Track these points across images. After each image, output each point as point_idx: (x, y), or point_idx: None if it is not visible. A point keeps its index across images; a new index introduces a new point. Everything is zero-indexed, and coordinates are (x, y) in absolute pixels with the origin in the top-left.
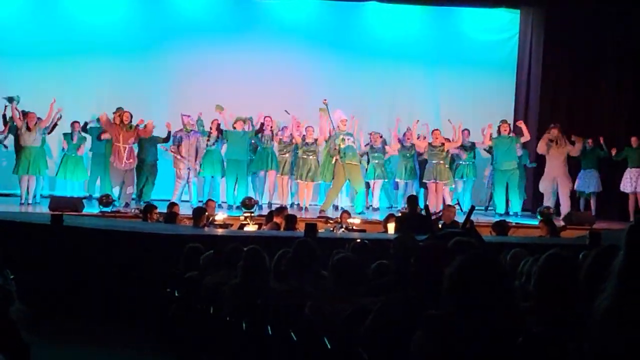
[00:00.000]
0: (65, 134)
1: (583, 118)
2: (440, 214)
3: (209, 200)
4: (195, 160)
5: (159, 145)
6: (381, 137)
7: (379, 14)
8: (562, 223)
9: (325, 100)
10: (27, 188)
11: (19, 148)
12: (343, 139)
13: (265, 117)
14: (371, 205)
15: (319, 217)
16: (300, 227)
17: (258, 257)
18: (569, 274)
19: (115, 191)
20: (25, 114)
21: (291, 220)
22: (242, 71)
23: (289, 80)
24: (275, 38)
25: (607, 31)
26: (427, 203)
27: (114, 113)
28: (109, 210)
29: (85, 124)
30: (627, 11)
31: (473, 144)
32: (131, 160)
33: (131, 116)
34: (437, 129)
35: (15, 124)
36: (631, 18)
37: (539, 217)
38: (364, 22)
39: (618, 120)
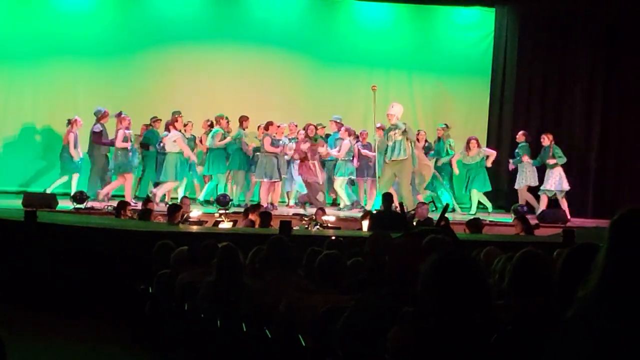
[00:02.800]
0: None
1: (554, 117)
2: (414, 212)
3: (184, 197)
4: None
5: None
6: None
7: (353, 13)
8: (536, 221)
9: (374, 86)
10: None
11: None
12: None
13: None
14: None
15: (293, 214)
16: (275, 225)
17: (232, 254)
18: (543, 271)
19: None
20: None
21: (266, 218)
22: (222, 70)
23: (267, 79)
24: (254, 37)
25: (581, 29)
26: (402, 201)
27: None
28: (83, 207)
29: None
30: (601, 12)
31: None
32: None
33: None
34: (422, 131)
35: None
36: (605, 19)
37: (513, 215)
38: (339, 20)
39: (591, 119)
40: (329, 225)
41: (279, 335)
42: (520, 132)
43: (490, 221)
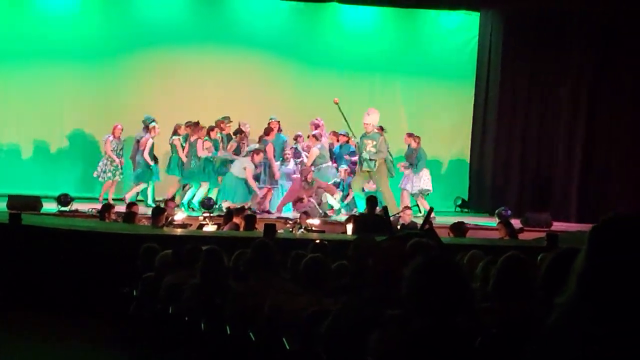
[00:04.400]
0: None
1: (538, 121)
2: (398, 215)
3: (169, 200)
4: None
5: None
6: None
7: (338, 16)
8: (520, 225)
9: (336, 99)
10: None
11: None
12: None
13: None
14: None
15: (278, 217)
16: (260, 228)
17: (216, 257)
18: (527, 276)
19: None
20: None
21: (250, 221)
22: (207, 73)
23: (253, 83)
24: (240, 40)
25: (566, 32)
26: (386, 204)
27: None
28: (68, 210)
29: None
30: (587, 18)
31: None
32: None
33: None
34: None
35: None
36: (589, 21)
37: (497, 218)
38: (325, 24)
39: (576, 122)
40: (314, 228)
41: (263, 337)
42: (407, 134)
43: (474, 225)
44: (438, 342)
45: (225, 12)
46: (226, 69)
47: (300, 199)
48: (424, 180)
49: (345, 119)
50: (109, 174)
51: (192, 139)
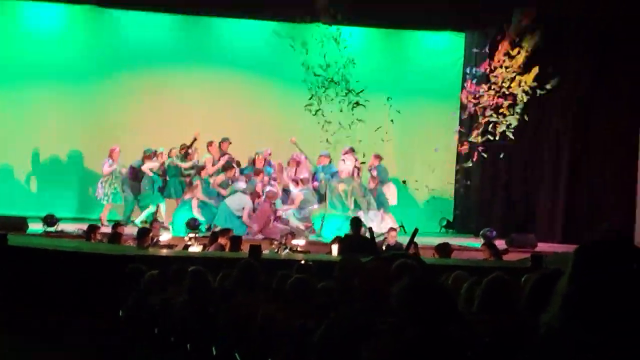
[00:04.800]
0: None
1: (526, 141)
2: (384, 237)
3: (154, 221)
4: None
5: None
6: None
7: (324, 36)
8: (505, 246)
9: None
10: None
11: None
12: None
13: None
14: None
15: (263, 238)
16: (245, 249)
17: (202, 278)
18: (511, 297)
19: None
20: None
21: (236, 242)
22: (191, 94)
23: (237, 104)
24: (225, 61)
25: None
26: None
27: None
28: (54, 230)
29: None
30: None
31: None
32: None
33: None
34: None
35: None
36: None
37: (481, 239)
38: (310, 45)
39: (559, 142)
40: (299, 249)
41: (250, 357)
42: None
43: (459, 246)
44: (431, 350)
45: (210, 32)
46: (212, 88)
47: (268, 223)
48: (390, 194)
49: (306, 156)
50: (111, 197)
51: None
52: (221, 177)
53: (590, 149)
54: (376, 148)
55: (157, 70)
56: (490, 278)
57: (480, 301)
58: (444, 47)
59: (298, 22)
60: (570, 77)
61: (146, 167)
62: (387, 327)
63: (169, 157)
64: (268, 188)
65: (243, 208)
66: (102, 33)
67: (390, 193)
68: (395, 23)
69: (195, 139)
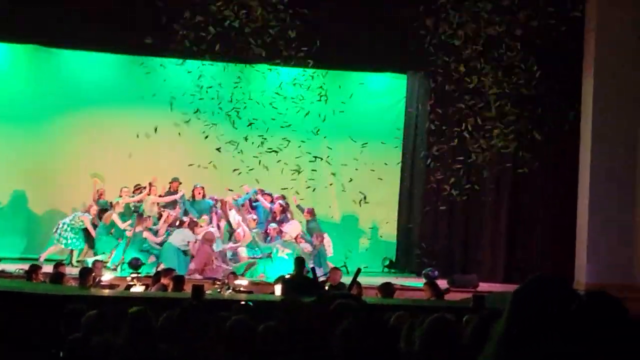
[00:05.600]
0: None
1: (466, 180)
2: (327, 276)
3: (96, 260)
4: None
5: None
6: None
7: (266, 78)
8: (447, 286)
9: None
10: None
11: None
12: None
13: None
14: None
15: (206, 278)
16: (188, 289)
17: (143, 319)
18: (452, 337)
19: None
20: None
21: (179, 282)
22: (135, 133)
23: (181, 143)
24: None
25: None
26: (314, 265)
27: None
28: None
29: None
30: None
31: None
32: None
33: None
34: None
35: None
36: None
37: (424, 279)
38: (252, 85)
39: (500, 181)
40: (242, 289)
41: None
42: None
43: (402, 285)
44: None
45: (154, 72)
46: (154, 127)
47: (209, 264)
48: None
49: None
50: (66, 240)
51: None
52: (171, 216)
53: (530, 190)
54: (318, 192)
55: (100, 110)
56: (432, 318)
57: (421, 341)
58: (385, 89)
59: (241, 62)
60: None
61: (116, 217)
62: None
63: (120, 196)
64: (207, 229)
65: (188, 242)
66: (46, 73)
67: (326, 243)
68: (335, 64)
69: (151, 183)
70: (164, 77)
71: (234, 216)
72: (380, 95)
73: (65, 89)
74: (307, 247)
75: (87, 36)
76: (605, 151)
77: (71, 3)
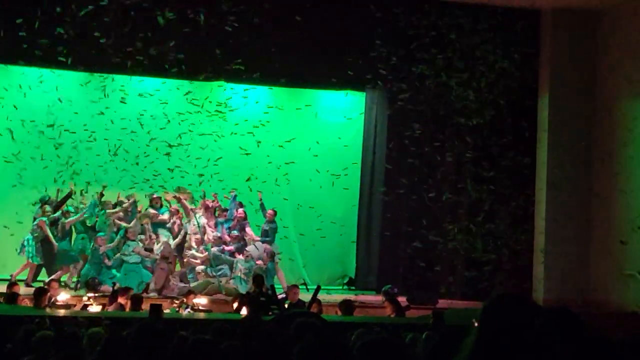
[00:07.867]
0: None
1: (425, 198)
2: (286, 294)
3: (52, 280)
4: None
5: None
6: None
7: (225, 96)
8: (407, 302)
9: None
10: None
11: None
12: None
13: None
14: None
15: (164, 296)
16: (146, 308)
17: (99, 339)
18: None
19: None
20: None
21: (137, 301)
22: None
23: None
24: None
25: (449, 109)
26: (273, 283)
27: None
28: None
29: None
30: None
31: None
32: None
33: None
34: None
35: None
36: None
37: (383, 297)
38: (210, 104)
39: (460, 197)
40: (200, 308)
41: None
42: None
43: (362, 303)
44: None
45: (116, 90)
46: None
47: (167, 282)
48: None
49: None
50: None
51: None
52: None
53: (488, 209)
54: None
55: (61, 127)
56: (363, 342)
57: None
58: (344, 106)
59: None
60: (447, 152)
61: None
62: None
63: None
64: (162, 248)
65: (139, 253)
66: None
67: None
68: (294, 82)
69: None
70: (125, 95)
71: (199, 219)
72: (340, 113)
73: (24, 107)
74: (260, 262)
75: None
76: (560, 165)
77: None
